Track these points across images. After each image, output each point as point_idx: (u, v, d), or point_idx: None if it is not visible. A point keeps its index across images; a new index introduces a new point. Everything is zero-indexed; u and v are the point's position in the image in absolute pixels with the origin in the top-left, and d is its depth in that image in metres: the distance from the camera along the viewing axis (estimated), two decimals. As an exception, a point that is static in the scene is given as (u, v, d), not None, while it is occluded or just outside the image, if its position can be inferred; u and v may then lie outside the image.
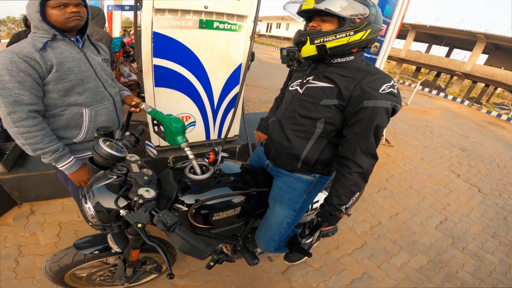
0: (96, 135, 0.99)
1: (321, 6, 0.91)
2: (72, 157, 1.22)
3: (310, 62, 1.15)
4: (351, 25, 0.93)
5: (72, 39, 1.18)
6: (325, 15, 0.96)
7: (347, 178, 1.04)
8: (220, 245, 1.56)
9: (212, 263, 0.81)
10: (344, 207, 1.10)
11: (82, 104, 1.22)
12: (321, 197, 1.73)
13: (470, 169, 4.41)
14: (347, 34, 0.94)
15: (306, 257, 1.93)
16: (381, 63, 3.66)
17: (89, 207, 0.89)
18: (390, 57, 20.16)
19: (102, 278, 1.52)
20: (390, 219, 2.74)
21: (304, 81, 1.15)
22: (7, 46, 2.57)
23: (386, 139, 4.74)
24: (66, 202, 2.35)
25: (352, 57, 1.04)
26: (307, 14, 1.05)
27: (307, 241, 1.35)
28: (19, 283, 1.68)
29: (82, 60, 1.21)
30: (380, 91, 0.93)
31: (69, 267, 1.25)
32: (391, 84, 0.95)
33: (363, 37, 0.97)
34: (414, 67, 22.48)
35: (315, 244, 2.08)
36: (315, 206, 1.71)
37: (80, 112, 1.22)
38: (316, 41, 0.97)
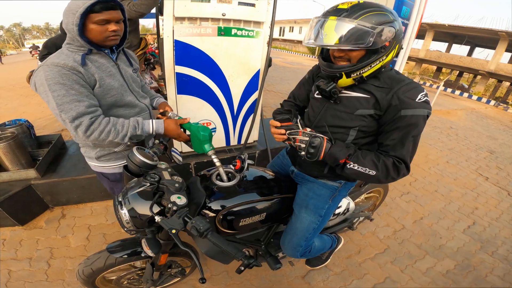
0: (129, 143, 1.03)
1: (355, 46, 0.87)
2: (150, 121, 1.21)
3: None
4: (382, 51, 0.92)
5: (106, 51, 1.15)
6: None
7: (378, 157, 0.99)
8: (244, 249, 1.58)
9: (242, 268, 0.82)
10: (350, 163, 1.00)
11: (123, 116, 1.22)
12: (343, 202, 1.70)
13: (499, 171, 4.18)
14: (381, 60, 0.94)
15: (327, 262, 1.91)
16: (400, 65, 3.56)
17: (124, 213, 0.93)
18: (409, 58, 19.54)
19: (130, 281, 1.57)
20: (415, 223, 2.65)
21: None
22: (42, 47, 2.62)
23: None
24: (95, 206, 2.45)
25: (383, 68, 1.02)
26: None
27: None
28: (50, 285, 1.76)
29: (118, 74, 1.19)
30: (417, 100, 0.93)
31: (101, 270, 1.29)
32: (424, 93, 0.95)
33: (394, 55, 0.97)
34: (434, 67, 21.75)
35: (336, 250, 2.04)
36: (337, 211, 1.69)
37: None
38: (352, 75, 0.96)
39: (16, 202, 2.11)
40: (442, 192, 3.30)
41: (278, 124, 1.16)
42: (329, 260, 1.91)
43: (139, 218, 0.94)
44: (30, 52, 22.42)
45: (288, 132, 1.10)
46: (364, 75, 0.96)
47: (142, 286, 1.61)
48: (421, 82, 14.34)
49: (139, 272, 1.52)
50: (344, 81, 0.99)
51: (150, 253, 0.92)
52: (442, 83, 6.90)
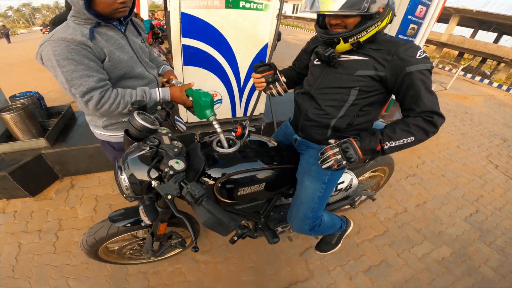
0: (130, 108, 1.03)
1: (351, 11, 0.91)
2: (157, 89, 1.22)
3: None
4: (377, 17, 0.96)
5: (114, 23, 1.10)
6: None
7: (406, 122, 1.01)
8: (243, 221, 1.59)
9: (235, 238, 0.82)
10: (386, 144, 1.02)
11: (132, 87, 1.20)
12: (346, 177, 1.68)
13: (510, 160, 4.05)
14: (376, 26, 0.98)
15: (338, 247, 1.85)
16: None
17: (124, 178, 0.93)
18: (429, 41, 18.61)
19: (131, 251, 1.61)
20: (417, 207, 2.63)
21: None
22: (51, 24, 2.59)
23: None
24: (103, 176, 2.51)
25: (378, 33, 1.06)
26: None
27: None
28: (57, 257, 1.80)
29: (127, 46, 1.16)
30: (417, 57, 0.98)
31: (104, 240, 1.32)
32: (422, 50, 1.00)
33: (388, 21, 1.01)
34: (456, 52, 20.65)
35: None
36: (340, 186, 1.67)
37: None
38: (350, 40, 1.00)
39: (27, 172, 2.17)
40: (448, 177, 3.23)
41: (259, 75, 1.30)
42: (339, 244, 1.85)
43: (138, 184, 0.94)
44: (41, 30, 22.49)
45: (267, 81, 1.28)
46: (361, 40, 1.00)
47: (143, 257, 1.65)
48: (440, 66, 13.68)
49: (141, 242, 1.55)
50: (342, 46, 1.04)
51: (146, 220, 0.91)
52: (461, 67, 6.57)
